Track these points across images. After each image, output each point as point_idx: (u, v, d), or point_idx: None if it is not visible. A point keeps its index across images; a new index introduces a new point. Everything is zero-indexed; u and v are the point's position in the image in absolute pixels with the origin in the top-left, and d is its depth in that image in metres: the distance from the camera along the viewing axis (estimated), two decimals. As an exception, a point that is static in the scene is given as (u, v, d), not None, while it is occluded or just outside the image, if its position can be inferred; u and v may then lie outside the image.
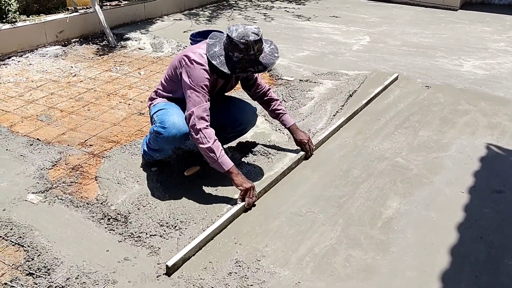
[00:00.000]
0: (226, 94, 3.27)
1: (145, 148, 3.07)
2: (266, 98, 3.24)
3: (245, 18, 7.56)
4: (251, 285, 2.24)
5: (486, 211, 2.85)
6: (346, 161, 3.35)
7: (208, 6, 8.37)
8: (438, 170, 3.27)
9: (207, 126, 2.72)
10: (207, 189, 2.97)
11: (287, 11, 8.13)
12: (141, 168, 3.16)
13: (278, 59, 2.86)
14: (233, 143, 3.44)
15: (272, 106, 3.25)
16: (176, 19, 7.25)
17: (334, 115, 4.04)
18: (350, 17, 7.84)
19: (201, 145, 2.71)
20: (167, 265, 2.29)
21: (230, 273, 2.31)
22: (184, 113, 2.81)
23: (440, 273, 2.35)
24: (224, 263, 2.37)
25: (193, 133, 2.72)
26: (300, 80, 4.79)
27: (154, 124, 2.88)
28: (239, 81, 3.18)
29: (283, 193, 2.97)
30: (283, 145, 3.53)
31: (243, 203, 2.76)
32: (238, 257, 2.42)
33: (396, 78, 4.92)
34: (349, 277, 2.31)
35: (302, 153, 3.34)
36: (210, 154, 2.71)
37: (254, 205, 2.82)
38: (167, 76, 3.00)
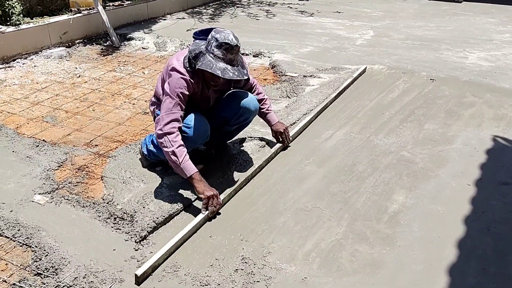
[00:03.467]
0: None
1: (152, 149, 3.06)
2: (258, 99, 3.24)
3: (248, 15, 7.56)
4: (257, 282, 2.24)
5: (493, 203, 2.83)
6: (351, 156, 3.34)
7: (211, 4, 8.38)
8: (444, 163, 3.25)
9: (173, 131, 2.72)
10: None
11: (290, 7, 8.12)
12: (146, 167, 3.17)
13: (242, 76, 2.79)
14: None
15: (261, 107, 3.30)
16: (179, 18, 7.26)
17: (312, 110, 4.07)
18: (353, 11, 7.82)
19: (165, 149, 2.71)
20: (135, 274, 2.24)
21: (236, 269, 2.31)
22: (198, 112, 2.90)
23: (447, 267, 2.34)
24: (231, 260, 2.38)
25: (158, 137, 2.74)
26: (304, 76, 4.78)
27: None
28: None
29: (288, 189, 2.97)
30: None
31: (207, 212, 2.69)
32: (244, 253, 2.42)
33: (364, 71, 4.98)
34: (355, 271, 2.31)
35: (276, 147, 3.40)
36: (173, 158, 2.69)
37: (219, 213, 2.76)
38: (160, 90, 2.98)
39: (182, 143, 2.73)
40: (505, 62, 5.30)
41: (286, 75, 4.85)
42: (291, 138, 3.47)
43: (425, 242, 2.52)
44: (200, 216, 2.66)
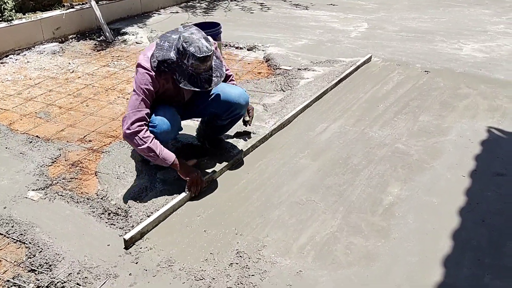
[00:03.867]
0: None
1: None
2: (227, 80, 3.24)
3: (242, 8, 7.52)
4: (252, 275, 2.23)
5: (487, 195, 2.83)
6: (345, 149, 3.33)
7: (205, -3, 8.34)
8: (438, 154, 3.25)
9: (141, 129, 2.68)
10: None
11: (284, 0, 8.09)
12: (140, 162, 3.15)
13: (217, 83, 2.76)
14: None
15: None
16: (173, 12, 7.23)
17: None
18: (348, 4, 7.80)
19: (139, 147, 2.69)
20: (124, 239, 2.39)
21: (231, 263, 2.31)
22: (168, 107, 2.86)
23: (442, 258, 2.34)
24: (225, 254, 2.37)
25: (128, 137, 2.69)
26: (298, 69, 4.76)
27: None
28: None
29: (283, 182, 2.96)
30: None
31: (189, 192, 2.77)
32: (239, 247, 2.42)
33: (369, 59, 5.02)
34: (350, 264, 2.31)
35: (278, 123, 3.52)
36: (150, 153, 2.70)
37: (203, 191, 2.84)
38: None
39: (152, 136, 2.72)
40: (500, 53, 5.30)
41: (280, 69, 4.84)
42: (252, 119, 3.34)
43: (420, 234, 2.52)
44: (182, 195, 2.74)
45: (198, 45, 2.62)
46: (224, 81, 3.19)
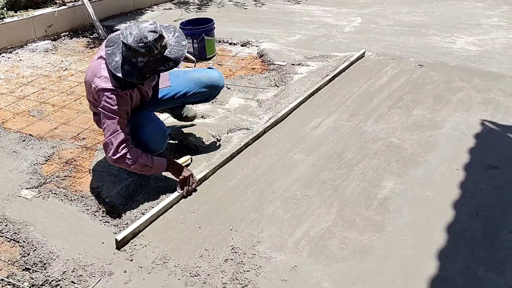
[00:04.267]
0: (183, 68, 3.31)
1: None
2: None
3: (235, 4, 7.50)
4: (247, 271, 2.23)
5: (481, 187, 2.84)
6: (340, 144, 3.33)
7: (198, -7, 8.30)
8: (432, 148, 3.25)
9: (127, 149, 2.58)
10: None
11: (278, -4, 8.06)
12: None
13: (186, 47, 2.60)
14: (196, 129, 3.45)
15: None
16: (166, 9, 7.19)
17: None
18: (342, -1, 7.78)
19: (132, 167, 2.61)
20: (116, 239, 2.39)
21: (226, 259, 2.31)
22: (143, 111, 2.81)
23: (437, 251, 2.35)
24: (220, 250, 2.37)
25: (117, 162, 2.59)
26: (292, 64, 4.76)
27: (135, 142, 2.78)
28: None
29: (277, 178, 2.96)
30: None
31: (182, 191, 2.73)
32: (234, 243, 2.41)
33: (362, 55, 5.00)
34: (345, 258, 2.31)
35: (272, 120, 3.54)
36: (144, 169, 2.65)
37: (195, 190, 2.82)
38: (93, 108, 2.82)
39: (139, 151, 2.63)
40: (493, 46, 5.30)
41: (274, 64, 4.82)
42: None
43: (415, 227, 2.52)
44: (175, 195, 2.73)
45: (139, 34, 2.44)
46: None
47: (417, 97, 4.03)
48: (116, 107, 2.54)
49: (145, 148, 2.73)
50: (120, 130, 2.56)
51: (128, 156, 2.57)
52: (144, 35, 2.43)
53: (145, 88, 2.83)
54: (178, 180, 2.76)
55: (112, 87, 2.52)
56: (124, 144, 2.57)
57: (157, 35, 2.46)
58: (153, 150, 2.81)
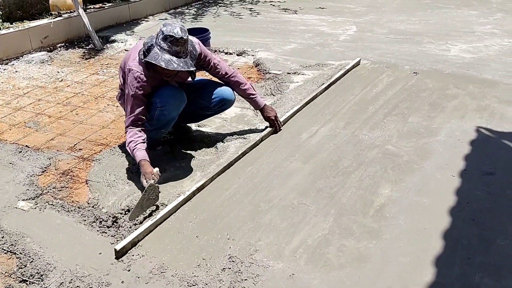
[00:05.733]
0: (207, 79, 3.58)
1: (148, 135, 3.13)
2: (233, 86, 3.44)
3: (231, 14, 7.54)
4: (245, 280, 2.23)
5: (477, 194, 2.85)
6: (336, 152, 3.34)
7: (194, 4, 8.35)
8: (428, 155, 3.27)
9: (131, 129, 2.98)
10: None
11: (273, 5, 8.12)
12: (131, 170, 3.15)
13: (185, 68, 2.92)
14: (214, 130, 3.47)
15: (243, 92, 3.48)
16: (162, 19, 7.23)
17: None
18: (336, 7, 7.84)
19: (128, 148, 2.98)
20: (115, 249, 2.39)
21: (223, 268, 2.31)
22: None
23: (434, 258, 2.35)
24: (218, 259, 2.37)
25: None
26: (288, 73, 4.78)
27: (153, 103, 3.06)
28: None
29: (274, 186, 2.97)
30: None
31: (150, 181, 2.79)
32: (231, 252, 2.41)
33: (358, 63, 5.04)
34: (342, 266, 2.32)
35: (269, 129, 3.61)
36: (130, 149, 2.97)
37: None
38: (121, 80, 3.21)
39: (136, 138, 2.94)
40: (487, 54, 5.35)
41: (270, 73, 4.85)
42: (282, 123, 3.69)
43: (411, 234, 2.53)
44: (179, 199, 2.78)
45: (171, 28, 2.87)
46: (227, 84, 3.44)
47: (412, 105, 4.05)
48: (137, 90, 2.95)
49: (161, 113, 3.06)
50: (136, 111, 2.98)
51: (127, 136, 2.99)
52: (176, 31, 2.88)
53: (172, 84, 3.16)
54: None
55: (138, 70, 2.94)
56: (136, 124, 2.99)
57: (182, 36, 2.89)
58: (168, 115, 3.09)
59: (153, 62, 2.86)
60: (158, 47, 2.89)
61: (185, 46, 2.94)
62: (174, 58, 2.88)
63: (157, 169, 2.84)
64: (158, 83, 3.05)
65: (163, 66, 2.85)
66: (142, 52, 2.97)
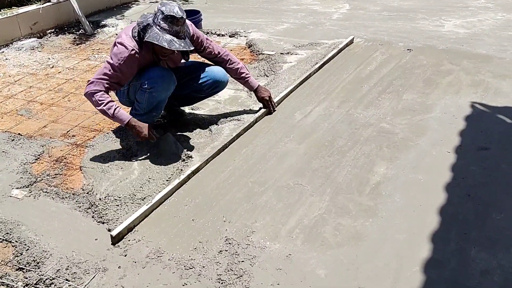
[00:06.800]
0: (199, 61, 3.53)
1: (136, 106, 3.17)
2: (226, 65, 3.40)
3: (222, -5, 7.44)
4: (242, 261, 2.23)
5: (472, 169, 2.85)
6: (331, 131, 3.33)
7: (184, -14, 8.22)
8: (423, 132, 3.26)
9: (98, 91, 2.91)
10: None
11: (265, -15, 8.00)
12: (124, 155, 3.13)
13: (183, 48, 2.91)
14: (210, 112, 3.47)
15: (235, 72, 3.44)
16: (153, 2, 7.13)
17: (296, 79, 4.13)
18: (329, -14, 7.74)
19: (96, 107, 2.96)
20: (111, 235, 2.39)
21: (220, 251, 2.31)
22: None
23: (430, 234, 2.36)
24: (214, 242, 2.37)
25: (88, 97, 2.97)
26: (281, 53, 4.74)
27: (142, 86, 3.04)
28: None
29: (269, 167, 2.95)
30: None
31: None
32: (227, 234, 2.41)
33: (351, 41, 5.00)
34: (339, 245, 2.32)
35: (263, 110, 3.59)
36: (105, 115, 2.98)
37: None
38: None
39: (107, 100, 2.92)
40: (481, 28, 5.31)
41: (263, 54, 4.80)
42: (275, 104, 3.65)
43: (407, 211, 2.53)
44: (174, 183, 2.75)
45: (171, 7, 2.86)
46: (219, 64, 3.41)
47: (406, 82, 4.03)
48: (120, 62, 2.89)
49: (150, 95, 3.03)
50: (107, 79, 2.92)
51: (95, 96, 2.91)
52: (176, 11, 2.86)
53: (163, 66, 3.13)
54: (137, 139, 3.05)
55: (130, 45, 2.90)
56: (101, 87, 2.92)
57: (180, 16, 2.87)
58: (158, 96, 3.06)
59: (155, 42, 2.82)
60: (157, 27, 2.86)
61: (184, 26, 2.94)
62: (175, 39, 2.86)
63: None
64: (146, 63, 3.03)
65: (166, 47, 2.83)
66: (136, 31, 2.93)
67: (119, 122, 3.00)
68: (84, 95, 2.98)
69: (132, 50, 2.90)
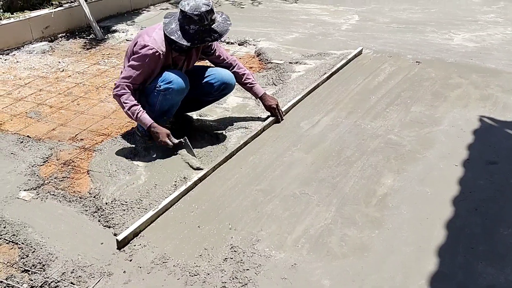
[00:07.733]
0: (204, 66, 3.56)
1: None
2: (232, 70, 3.46)
3: (232, 3, 7.49)
4: (247, 270, 2.23)
5: (480, 183, 2.84)
6: (338, 141, 3.33)
7: (195, -7, 8.28)
8: (431, 144, 3.25)
9: (123, 94, 3.04)
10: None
11: (275, -6, 8.05)
12: (132, 160, 3.14)
13: (231, 25, 3.12)
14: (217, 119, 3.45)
15: (241, 78, 3.51)
16: (163, 9, 7.19)
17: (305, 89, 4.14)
18: (338, -4, 7.78)
19: (123, 110, 3.09)
20: (117, 239, 2.39)
21: (225, 258, 2.30)
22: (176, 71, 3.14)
23: (437, 247, 2.35)
24: (220, 249, 2.37)
25: (115, 99, 3.11)
26: (290, 62, 4.75)
27: (156, 88, 3.09)
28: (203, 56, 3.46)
29: (276, 176, 2.95)
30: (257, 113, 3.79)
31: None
32: (233, 242, 2.41)
33: (360, 52, 5.01)
34: (345, 255, 2.31)
35: (271, 118, 3.58)
36: (130, 118, 3.10)
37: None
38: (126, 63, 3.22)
39: (133, 103, 3.03)
40: (490, 42, 5.31)
41: (271, 63, 4.82)
42: (283, 113, 3.66)
43: (414, 223, 2.52)
44: (181, 189, 2.77)
45: (198, 4, 2.93)
46: (226, 69, 3.46)
47: (415, 94, 4.03)
48: (145, 64, 2.99)
49: (164, 97, 3.09)
50: (133, 83, 3.04)
51: (121, 98, 3.04)
52: (199, 5, 2.93)
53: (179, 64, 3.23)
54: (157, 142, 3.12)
55: (154, 48, 2.98)
56: (126, 89, 3.04)
57: (209, 8, 2.95)
58: (172, 100, 3.12)
59: (210, 42, 3.06)
60: (200, 27, 2.96)
61: (213, 14, 3.01)
62: (215, 25, 3.01)
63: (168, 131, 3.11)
64: (165, 64, 3.10)
65: (221, 39, 3.09)
66: (170, 30, 2.99)
67: (143, 124, 3.09)
68: (114, 97, 3.12)
69: (156, 51, 2.98)
